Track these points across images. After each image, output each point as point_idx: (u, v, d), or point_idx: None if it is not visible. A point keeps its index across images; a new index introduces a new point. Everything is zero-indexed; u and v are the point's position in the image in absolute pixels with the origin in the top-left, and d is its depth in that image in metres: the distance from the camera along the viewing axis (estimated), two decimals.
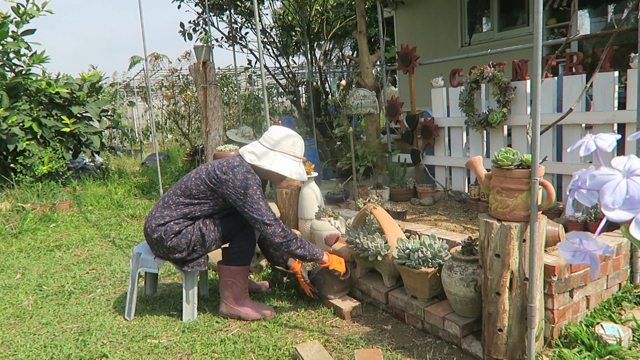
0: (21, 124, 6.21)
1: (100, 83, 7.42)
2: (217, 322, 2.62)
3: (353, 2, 6.45)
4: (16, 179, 5.83)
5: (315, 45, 7.81)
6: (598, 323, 2.14)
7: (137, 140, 12.86)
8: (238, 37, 7.39)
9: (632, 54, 2.68)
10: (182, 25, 7.09)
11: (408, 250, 2.45)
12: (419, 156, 4.14)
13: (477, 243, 2.21)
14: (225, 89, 9.33)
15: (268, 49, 7.73)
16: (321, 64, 8.08)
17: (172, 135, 12.31)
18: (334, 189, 3.97)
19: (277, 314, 2.66)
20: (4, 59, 6.45)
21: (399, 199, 3.95)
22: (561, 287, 2.12)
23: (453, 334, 2.23)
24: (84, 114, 7.17)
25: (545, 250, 2.14)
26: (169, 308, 2.85)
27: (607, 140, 0.80)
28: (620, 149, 2.97)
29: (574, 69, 3.01)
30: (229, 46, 7.19)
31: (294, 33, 7.48)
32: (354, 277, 2.82)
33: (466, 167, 3.42)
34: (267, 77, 8.24)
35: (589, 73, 2.90)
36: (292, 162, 2.60)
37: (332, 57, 10.06)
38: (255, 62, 7.95)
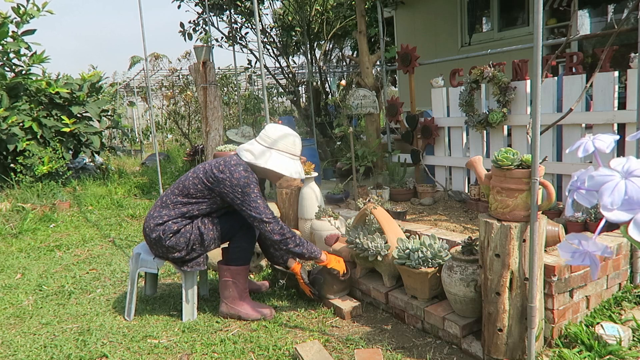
0: (21, 124, 6.21)
1: (100, 83, 7.43)
2: (217, 322, 2.62)
3: (353, 2, 6.45)
4: (16, 179, 5.83)
5: (315, 45, 7.81)
6: (598, 323, 2.14)
7: (137, 140, 12.86)
8: (238, 37, 7.39)
9: (632, 54, 2.68)
10: (182, 25, 7.09)
11: (408, 250, 2.45)
12: (419, 156, 4.14)
13: (477, 243, 2.21)
14: (225, 89, 9.33)
15: (268, 49, 7.74)
16: (321, 64, 8.08)
17: (172, 135, 12.31)
18: (334, 189, 3.97)
19: (277, 314, 2.66)
20: (4, 59, 6.45)
21: (399, 199, 3.95)
22: (561, 287, 2.12)
23: (453, 334, 2.23)
24: (84, 114, 7.17)
25: (545, 250, 2.14)
26: (169, 308, 2.85)
27: (606, 142, 0.80)
28: (620, 149, 2.98)
29: (574, 69, 3.01)
30: (229, 46, 7.19)
31: (294, 33, 7.48)
32: (354, 277, 2.82)
33: (466, 167, 3.42)
34: (267, 77, 8.24)
35: (589, 73, 2.90)
36: (289, 160, 2.59)
37: (332, 57, 10.06)
38: (255, 62, 7.96)
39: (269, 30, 7.67)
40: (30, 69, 6.66)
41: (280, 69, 8.01)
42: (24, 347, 2.45)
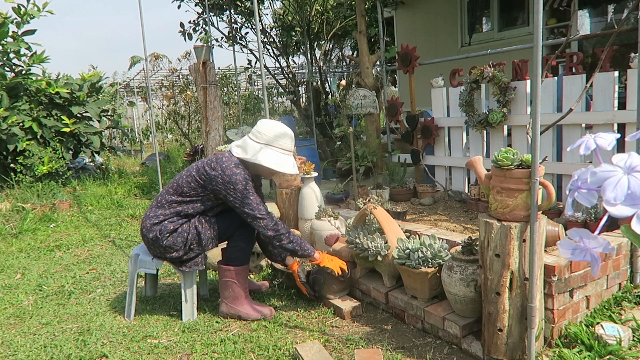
0: (21, 124, 6.21)
1: (100, 83, 7.43)
2: (217, 322, 2.62)
3: (353, 2, 6.46)
4: (16, 179, 5.83)
5: (315, 45, 7.81)
6: (598, 323, 2.14)
7: (137, 140, 12.87)
8: (238, 37, 7.39)
9: (632, 54, 2.68)
10: (182, 25, 7.09)
11: (408, 250, 2.45)
12: (419, 156, 4.14)
13: (477, 243, 2.21)
14: (225, 89, 9.34)
15: (268, 49, 7.74)
16: (321, 64, 8.08)
17: (172, 135, 12.32)
18: (334, 189, 3.97)
19: (277, 314, 2.66)
20: (4, 59, 6.45)
21: (399, 199, 3.95)
22: (561, 287, 2.12)
23: (453, 334, 2.23)
24: (84, 114, 7.17)
25: (545, 250, 2.14)
26: (169, 308, 2.85)
27: (607, 139, 0.80)
28: (620, 149, 2.97)
29: (574, 69, 3.01)
30: (229, 46, 7.19)
31: (294, 33, 7.49)
32: (354, 277, 2.82)
33: (466, 167, 3.42)
34: (267, 77, 8.24)
35: (589, 73, 2.90)
36: (280, 155, 2.57)
37: (332, 57, 10.07)
38: (255, 62, 7.96)
39: (269, 30, 7.67)
40: (30, 69, 6.66)
41: (280, 69, 8.01)
42: (24, 347, 2.45)
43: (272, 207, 3.57)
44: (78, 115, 6.92)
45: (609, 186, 0.69)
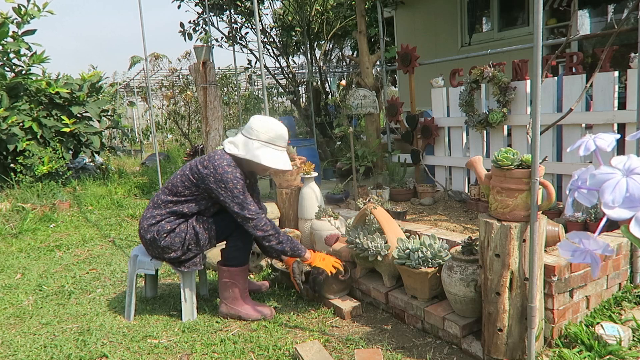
0: (21, 124, 6.21)
1: (100, 83, 7.43)
2: (217, 322, 2.62)
3: (353, 2, 6.46)
4: (16, 179, 5.83)
5: (315, 45, 7.82)
6: (598, 323, 2.14)
7: (137, 140, 12.87)
8: (238, 37, 7.39)
9: (632, 54, 2.68)
10: (182, 25, 7.09)
11: (408, 250, 2.45)
12: (419, 156, 4.14)
13: (477, 243, 2.21)
14: (225, 89, 9.34)
15: (268, 49, 7.74)
16: (321, 64, 8.08)
17: (172, 135, 12.32)
18: (334, 189, 3.97)
19: (277, 314, 2.66)
20: (4, 59, 6.45)
21: (399, 199, 3.95)
22: (561, 287, 2.12)
23: (453, 334, 2.23)
24: (84, 114, 7.17)
25: (545, 250, 2.14)
26: (169, 308, 2.85)
27: (607, 140, 0.80)
28: (620, 149, 2.97)
29: (574, 69, 3.01)
30: (229, 46, 7.19)
31: (294, 33, 7.49)
32: (354, 277, 2.82)
33: (466, 167, 3.42)
34: (267, 77, 8.24)
35: (589, 73, 2.90)
36: (272, 150, 2.55)
37: (332, 57, 10.07)
38: (255, 62, 7.96)
39: (269, 30, 7.67)
40: (30, 69, 6.66)
41: (280, 69, 8.01)
42: (24, 347, 2.45)
43: (272, 207, 3.57)
44: (78, 115, 6.92)
45: (607, 189, 0.69)
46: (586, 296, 2.27)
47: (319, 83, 7.65)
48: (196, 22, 7.15)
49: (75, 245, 4.32)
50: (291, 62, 8.03)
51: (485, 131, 3.60)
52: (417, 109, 4.31)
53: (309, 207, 3.38)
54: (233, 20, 7.21)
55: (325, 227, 3.11)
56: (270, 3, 7.65)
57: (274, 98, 11.15)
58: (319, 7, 7.40)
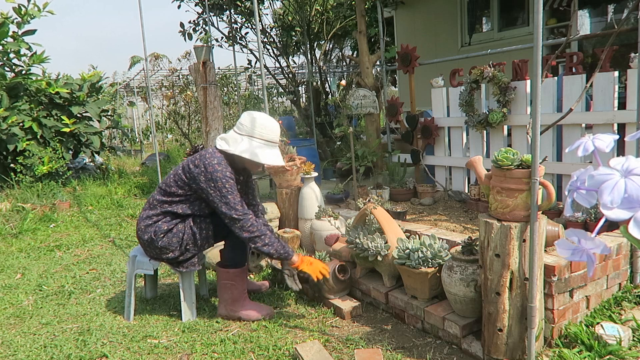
0: (21, 124, 6.21)
1: (100, 83, 7.43)
2: (217, 322, 2.62)
3: (353, 2, 6.46)
4: (16, 179, 5.83)
5: (315, 45, 7.82)
6: (598, 323, 2.14)
7: (137, 140, 12.87)
8: (238, 37, 7.40)
9: (632, 54, 2.68)
10: (182, 25, 7.09)
11: (408, 250, 2.45)
12: (419, 156, 4.14)
13: (477, 243, 2.21)
14: (225, 89, 9.34)
15: (268, 49, 7.74)
16: (321, 64, 8.08)
17: (172, 135, 12.32)
18: (334, 189, 3.97)
19: (277, 314, 2.66)
20: (4, 59, 6.45)
21: (399, 199, 3.95)
22: (561, 287, 2.12)
23: (453, 334, 2.23)
24: (84, 114, 7.17)
25: (545, 250, 2.14)
26: (169, 308, 2.85)
27: (605, 141, 0.80)
28: (620, 149, 2.98)
29: (574, 69, 3.01)
30: (229, 46, 7.19)
31: (294, 33, 7.49)
32: (354, 277, 2.82)
33: (466, 167, 3.42)
34: (267, 77, 8.24)
35: (589, 73, 2.90)
36: (263, 146, 2.52)
37: (332, 57, 10.07)
38: (255, 62, 7.96)
39: (269, 30, 7.67)
40: (30, 69, 6.66)
41: (280, 69, 8.01)
42: (24, 347, 2.45)
43: (272, 207, 3.57)
44: (78, 115, 6.92)
45: (605, 189, 0.69)
46: (586, 296, 2.27)
47: (319, 83, 7.65)
48: (196, 22, 7.15)
49: (75, 245, 4.33)
50: (291, 62, 8.04)
51: (485, 131, 3.60)
52: (417, 109, 4.31)
53: (309, 207, 3.38)
54: (233, 20, 7.21)
55: (325, 227, 3.11)
56: (270, 3, 7.65)
57: (274, 98, 11.15)
58: (319, 7, 7.40)
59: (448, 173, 4.05)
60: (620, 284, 2.47)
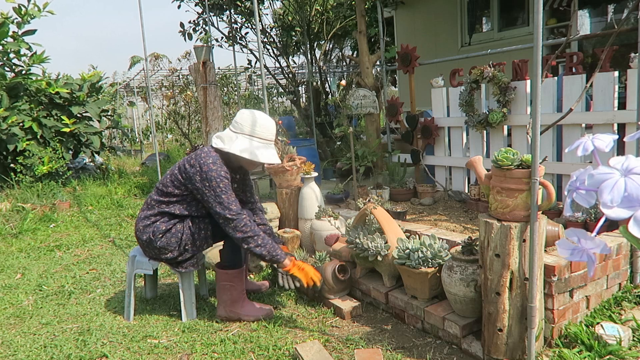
0: (21, 124, 6.21)
1: (100, 83, 7.43)
2: (217, 322, 2.62)
3: (353, 2, 6.46)
4: (16, 179, 5.83)
5: (315, 45, 7.82)
6: (598, 323, 2.14)
7: (137, 140, 12.87)
8: (238, 37, 7.40)
9: (632, 54, 2.68)
10: (182, 25, 7.10)
11: (408, 250, 2.45)
12: (419, 156, 4.14)
13: (477, 243, 2.21)
14: (225, 89, 9.34)
15: (268, 49, 7.74)
16: (321, 64, 8.08)
17: (172, 135, 12.32)
18: (334, 189, 3.97)
19: (277, 314, 2.66)
20: (4, 59, 6.45)
21: (399, 199, 3.95)
22: (561, 287, 2.12)
23: (453, 334, 2.23)
24: (84, 114, 7.18)
25: (545, 250, 2.14)
26: (169, 308, 2.85)
27: (605, 141, 0.80)
28: (620, 149, 2.98)
29: (574, 69, 3.01)
30: (229, 46, 7.20)
31: (294, 33, 7.49)
32: (354, 277, 2.82)
33: (466, 167, 3.42)
34: (267, 77, 8.24)
35: (589, 73, 2.90)
36: (257, 144, 2.51)
37: (332, 57, 10.07)
38: (255, 62, 7.96)
39: (269, 30, 7.67)
40: (30, 69, 6.66)
41: (280, 69, 8.01)
42: (24, 347, 2.45)
43: (272, 207, 3.57)
44: (78, 115, 6.92)
45: (605, 189, 0.70)
46: (586, 296, 2.27)
47: (319, 83, 7.65)
48: (196, 22, 7.15)
49: (75, 245, 4.33)
50: (291, 62, 8.04)
51: (485, 131, 3.60)
52: (417, 109, 4.31)
53: (309, 207, 3.38)
54: (233, 20, 7.21)
55: (325, 227, 3.11)
56: (270, 3, 7.65)
57: (274, 98, 11.15)
58: (319, 7, 7.40)
59: (448, 173, 4.05)
60: (620, 284, 2.47)
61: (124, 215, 5.30)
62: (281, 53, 7.71)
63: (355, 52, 9.26)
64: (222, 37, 7.40)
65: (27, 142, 6.15)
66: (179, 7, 7.09)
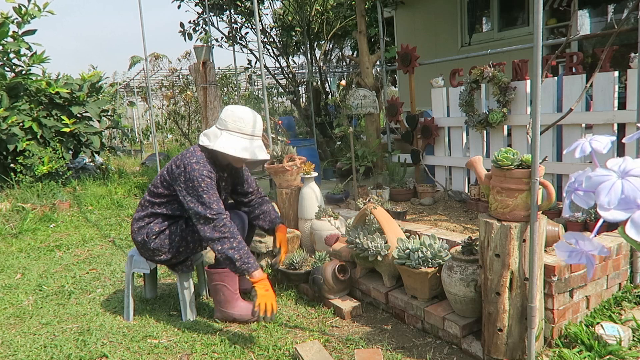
0: (21, 124, 6.21)
1: (100, 83, 7.43)
2: (217, 322, 2.62)
3: (353, 2, 6.46)
4: (16, 179, 5.83)
5: (315, 45, 7.82)
6: (598, 323, 2.14)
7: (137, 140, 12.87)
8: (238, 37, 7.40)
9: (632, 54, 2.68)
10: (182, 25, 7.10)
11: (408, 250, 2.45)
12: (419, 156, 4.14)
13: (477, 243, 2.21)
14: (225, 89, 9.34)
15: (268, 49, 7.74)
16: (321, 64, 8.08)
17: (172, 135, 12.33)
18: (334, 189, 3.97)
19: (277, 314, 2.65)
20: (4, 59, 6.45)
21: (399, 199, 3.95)
22: (561, 287, 2.12)
23: (453, 334, 2.23)
24: (84, 114, 7.18)
25: (545, 250, 2.14)
26: (169, 308, 2.85)
27: (602, 142, 0.80)
28: (621, 149, 2.97)
29: (574, 69, 3.01)
30: (229, 46, 7.20)
31: (294, 33, 7.49)
32: (354, 277, 2.82)
33: (466, 167, 3.42)
34: (267, 77, 8.24)
35: (589, 73, 2.90)
36: (240, 140, 2.47)
37: (332, 57, 10.07)
38: (255, 62, 7.96)
39: (269, 30, 7.67)
40: (30, 69, 6.66)
41: (280, 69, 8.01)
42: (24, 347, 2.45)
43: None
44: (78, 115, 6.92)
45: (602, 190, 0.69)
46: (586, 296, 2.27)
47: (319, 83, 7.65)
48: (196, 22, 7.15)
49: (75, 245, 4.33)
50: (291, 62, 8.04)
51: (485, 131, 3.60)
52: (417, 109, 4.31)
53: (309, 207, 3.38)
54: (233, 20, 7.21)
55: (325, 227, 3.11)
56: (270, 3, 7.65)
57: (274, 98, 11.15)
58: (319, 7, 7.40)
59: (448, 173, 4.05)
60: (620, 284, 2.47)
61: (124, 215, 5.31)
62: (281, 53, 7.71)
63: (355, 52, 9.26)
64: (222, 37, 7.41)
65: (27, 142, 6.15)
66: (179, 7, 7.09)
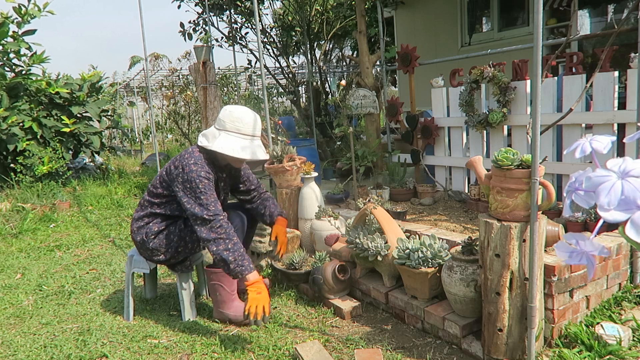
0: (21, 124, 6.21)
1: (100, 83, 7.43)
2: (217, 322, 2.62)
3: (353, 2, 6.46)
4: (16, 179, 5.83)
5: (315, 45, 7.82)
6: (598, 323, 2.14)
7: (137, 140, 12.87)
8: (238, 37, 7.40)
9: (632, 54, 2.68)
10: (182, 25, 7.10)
11: (408, 250, 2.45)
12: (419, 156, 4.14)
13: (477, 243, 2.21)
14: (225, 89, 9.34)
15: (268, 49, 7.74)
16: (321, 64, 8.08)
17: (172, 135, 12.32)
18: (334, 189, 3.97)
19: (277, 314, 2.66)
20: (4, 59, 6.45)
21: (399, 199, 3.95)
22: (561, 287, 2.12)
23: (453, 334, 2.23)
24: (84, 114, 7.18)
25: (545, 250, 2.14)
26: (169, 308, 2.85)
27: (603, 143, 0.80)
28: (621, 149, 2.97)
29: (574, 69, 3.01)
30: (229, 46, 7.20)
31: (294, 33, 7.49)
32: (354, 277, 2.82)
33: (466, 167, 3.42)
34: (267, 77, 8.24)
35: (589, 73, 2.90)
36: (237, 139, 2.46)
37: (332, 57, 10.07)
38: (255, 62, 7.96)
39: (269, 30, 7.67)
40: (30, 69, 6.66)
41: (280, 69, 8.01)
42: (24, 347, 2.45)
43: None
44: (78, 115, 6.92)
45: (602, 191, 0.69)
46: (586, 296, 2.27)
47: (319, 83, 7.65)
48: (196, 22, 7.15)
49: (75, 245, 4.33)
50: (291, 62, 8.04)
51: (485, 131, 3.60)
52: (417, 109, 4.31)
53: (309, 207, 3.38)
54: (233, 20, 7.21)
55: (325, 227, 3.11)
56: (270, 3, 7.65)
57: (274, 98, 11.15)
58: (319, 7, 7.40)
59: (448, 173, 4.05)
60: (620, 284, 2.47)
61: (124, 215, 5.31)
62: (281, 53, 7.71)
63: (355, 52, 9.26)
64: (222, 37, 7.41)
65: (27, 142, 6.15)
66: (179, 7, 7.09)
